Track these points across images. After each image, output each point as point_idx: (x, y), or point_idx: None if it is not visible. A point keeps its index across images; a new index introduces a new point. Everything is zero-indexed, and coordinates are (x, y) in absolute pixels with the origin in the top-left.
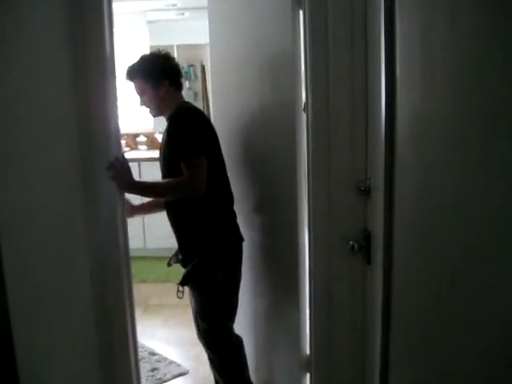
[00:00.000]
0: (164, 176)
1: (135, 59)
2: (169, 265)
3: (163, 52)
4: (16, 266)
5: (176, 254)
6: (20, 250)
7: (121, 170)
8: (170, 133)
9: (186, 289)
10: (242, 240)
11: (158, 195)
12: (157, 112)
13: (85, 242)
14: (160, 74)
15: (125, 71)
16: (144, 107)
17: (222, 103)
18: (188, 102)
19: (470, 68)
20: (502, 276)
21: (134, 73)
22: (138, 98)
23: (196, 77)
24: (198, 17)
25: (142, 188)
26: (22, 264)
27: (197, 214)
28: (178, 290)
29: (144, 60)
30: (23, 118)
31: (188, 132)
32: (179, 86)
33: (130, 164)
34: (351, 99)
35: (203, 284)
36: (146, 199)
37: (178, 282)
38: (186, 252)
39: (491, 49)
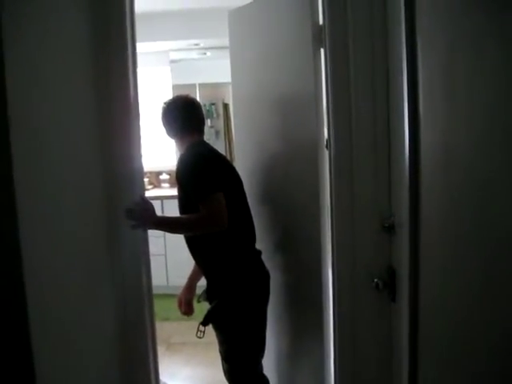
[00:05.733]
0: (180, 213)
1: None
2: (198, 301)
3: (178, 99)
4: (40, 303)
5: (206, 291)
6: (44, 286)
7: (143, 213)
8: (179, 177)
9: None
10: (268, 277)
11: (182, 230)
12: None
13: (108, 281)
14: (171, 124)
15: None
16: None
17: (244, 141)
18: (198, 145)
19: (494, 103)
20: None
21: (161, 118)
22: None
23: (218, 115)
24: (219, 56)
25: (166, 224)
26: (45, 300)
27: (218, 251)
28: (198, 330)
29: (167, 109)
30: (47, 158)
31: (195, 173)
32: (196, 130)
33: (153, 202)
34: (374, 136)
35: (225, 324)
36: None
37: (200, 321)
38: (211, 290)
39: None
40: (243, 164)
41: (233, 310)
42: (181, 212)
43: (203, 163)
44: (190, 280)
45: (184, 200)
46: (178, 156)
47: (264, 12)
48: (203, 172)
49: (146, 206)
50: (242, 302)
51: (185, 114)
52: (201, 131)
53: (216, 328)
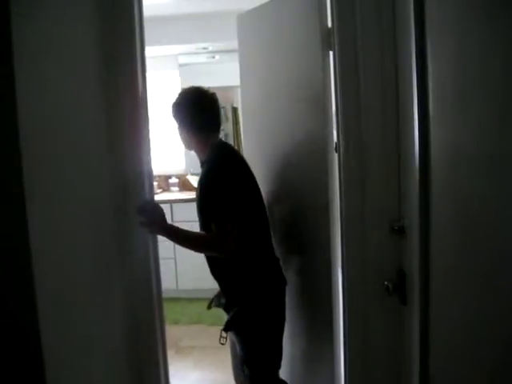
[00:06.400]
0: (200, 223)
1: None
2: (209, 307)
3: (198, 92)
4: (49, 305)
5: (218, 297)
6: (54, 288)
7: (153, 214)
8: (203, 186)
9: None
10: (285, 283)
11: (186, 246)
12: (191, 149)
13: (118, 284)
14: (190, 120)
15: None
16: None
17: (253, 144)
18: (223, 145)
19: (504, 104)
20: None
21: (172, 112)
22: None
23: (227, 118)
24: (228, 59)
25: (174, 234)
26: (55, 302)
27: (238, 260)
28: (220, 336)
29: (178, 102)
30: (56, 163)
31: (221, 193)
32: (212, 129)
33: (162, 206)
34: (383, 138)
35: (248, 330)
36: None
37: (222, 327)
38: (230, 298)
39: None
40: (252, 167)
41: (254, 316)
42: (199, 214)
43: (228, 182)
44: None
45: (202, 205)
46: (204, 158)
47: (272, 15)
48: (226, 193)
49: (157, 210)
50: (263, 307)
51: (208, 110)
52: (219, 130)
53: (237, 334)
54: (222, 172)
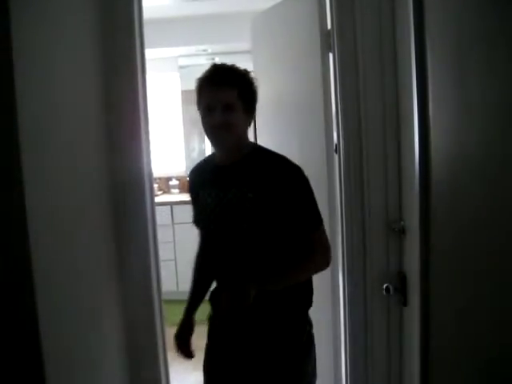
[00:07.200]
0: (266, 238)
1: (239, 66)
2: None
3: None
4: (48, 306)
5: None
6: (53, 290)
7: (234, 300)
8: (288, 190)
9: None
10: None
11: (292, 281)
12: (231, 141)
13: (118, 286)
14: (255, 104)
15: (226, 68)
16: (219, 126)
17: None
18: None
19: (506, 104)
20: None
21: (240, 81)
22: (220, 110)
23: None
24: (227, 61)
25: (271, 282)
26: (54, 303)
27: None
28: None
29: (253, 79)
30: (56, 166)
31: (310, 195)
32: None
33: (163, 208)
34: (383, 139)
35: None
36: None
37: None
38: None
39: None
40: None
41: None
42: (269, 226)
43: (308, 181)
44: (187, 313)
45: (285, 213)
46: (236, 156)
47: (278, 17)
48: (313, 194)
49: (236, 295)
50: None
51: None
52: None
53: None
54: (303, 174)
